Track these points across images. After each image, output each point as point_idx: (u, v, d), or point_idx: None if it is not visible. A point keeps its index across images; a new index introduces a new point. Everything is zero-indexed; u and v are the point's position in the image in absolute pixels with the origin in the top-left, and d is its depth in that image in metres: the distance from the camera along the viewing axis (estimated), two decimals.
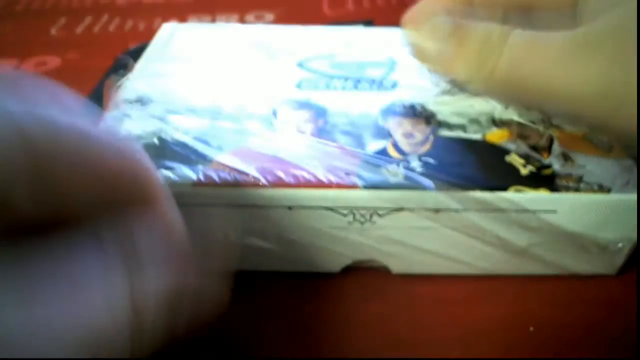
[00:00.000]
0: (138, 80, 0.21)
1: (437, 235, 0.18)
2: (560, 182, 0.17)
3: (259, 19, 0.37)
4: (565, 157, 0.18)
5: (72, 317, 0.09)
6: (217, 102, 0.20)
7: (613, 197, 0.17)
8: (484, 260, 0.19)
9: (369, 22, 0.27)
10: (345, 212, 0.17)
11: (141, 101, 0.20)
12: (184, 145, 0.18)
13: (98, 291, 0.10)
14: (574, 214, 0.17)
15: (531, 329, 0.18)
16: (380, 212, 0.17)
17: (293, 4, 0.39)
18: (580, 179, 0.17)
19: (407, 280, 0.19)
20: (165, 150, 0.18)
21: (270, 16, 0.38)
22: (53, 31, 0.39)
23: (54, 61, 0.34)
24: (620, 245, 0.18)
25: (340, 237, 0.18)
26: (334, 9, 0.42)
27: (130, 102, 0.20)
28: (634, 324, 0.18)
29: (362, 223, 0.17)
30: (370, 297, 0.19)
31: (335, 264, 0.19)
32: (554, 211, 0.17)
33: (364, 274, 0.19)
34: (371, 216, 0.17)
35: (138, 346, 0.11)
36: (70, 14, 0.42)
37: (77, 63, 0.32)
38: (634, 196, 0.17)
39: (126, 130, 0.19)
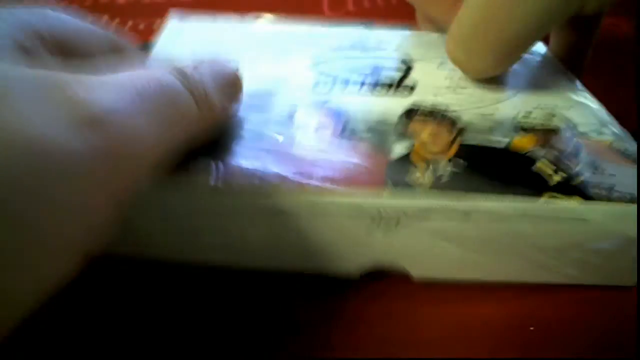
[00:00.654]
0: None
1: (465, 241, 0.17)
2: (592, 190, 0.17)
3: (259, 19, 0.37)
4: (595, 166, 0.18)
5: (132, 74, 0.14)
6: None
7: None
8: (509, 268, 0.18)
9: (369, 23, 0.27)
10: (373, 214, 0.17)
11: None
12: (201, 149, 0.17)
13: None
14: (606, 224, 0.17)
15: (531, 328, 0.18)
16: (409, 215, 0.17)
17: (293, 4, 0.39)
18: (611, 189, 0.17)
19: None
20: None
21: (270, 17, 0.38)
22: None
23: None
24: None
25: (363, 239, 0.17)
26: (335, 9, 0.42)
27: None
28: (634, 324, 0.18)
29: (388, 226, 0.17)
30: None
31: (355, 269, 0.19)
32: (585, 220, 0.17)
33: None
34: (398, 220, 0.17)
35: (205, 110, 0.15)
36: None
37: None
38: None
39: None
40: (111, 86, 0.12)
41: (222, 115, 0.17)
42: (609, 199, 0.17)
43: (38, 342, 0.17)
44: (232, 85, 0.18)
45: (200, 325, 0.17)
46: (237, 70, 0.18)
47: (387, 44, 0.25)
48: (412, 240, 0.17)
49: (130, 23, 0.38)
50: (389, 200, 0.17)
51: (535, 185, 0.17)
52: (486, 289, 0.19)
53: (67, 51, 0.16)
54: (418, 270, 0.19)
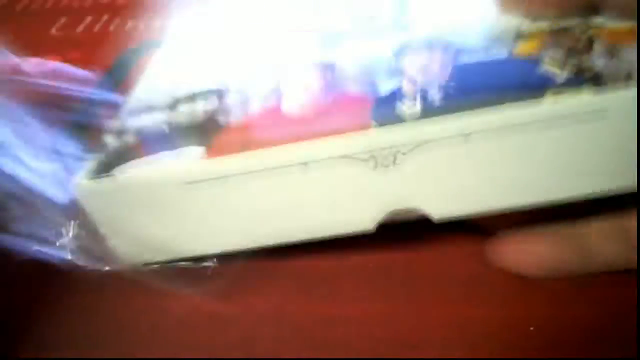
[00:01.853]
0: (145, 81, 0.22)
1: (474, 167, 0.16)
2: (606, 79, 0.15)
3: None
4: (611, 53, 0.16)
5: None
6: (222, 81, 0.20)
7: None
8: (534, 186, 0.16)
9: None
10: (364, 157, 0.16)
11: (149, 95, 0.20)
12: (191, 127, 0.18)
13: None
14: (627, 115, 0.15)
15: (531, 328, 0.18)
16: (404, 151, 0.16)
17: None
18: (629, 75, 0.15)
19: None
20: (174, 134, 0.18)
21: None
22: (53, 31, 0.39)
23: (54, 61, 0.34)
24: None
25: (365, 188, 0.16)
26: None
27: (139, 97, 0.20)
28: (635, 324, 0.18)
29: (386, 167, 0.16)
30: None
31: (368, 221, 0.17)
32: (603, 113, 0.15)
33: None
34: (395, 157, 0.16)
35: None
36: (71, 14, 0.42)
37: (78, 63, 0.32)
38: None
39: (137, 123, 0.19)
40: None
41: None
42: (627, 86, 0.15)
43: None
44: None
45: None
46: None
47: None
48: (416, 177, 0.16)
49: (131, 23, 0.38)
50: (376, 137, 0.16)
51: (540, 87, 0.15)
52: (486, 289, 0.19)
53: None
54: (437, 210, 0.17)
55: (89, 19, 0.40)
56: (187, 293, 0.18)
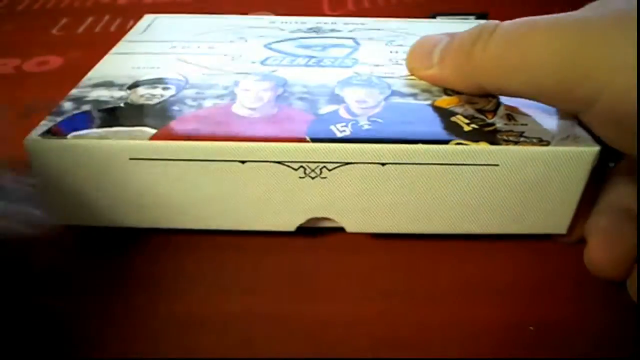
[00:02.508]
0: (111, 60, 0.24)
1: (387, 191, 0.18)
2: (500, 136, 0.18)
3: None
4: (510, 117, 0.19)
5: None
6: (183, 74, 0.22)
7: (551, 149, 0.17)
8: (436, 217, 0.19)
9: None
10: (295, 166, 0.18)
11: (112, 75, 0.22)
12: (145, 109, 0.19)
13: None
14: (516, 167, 0.18)
15: (531, 328, 0.18)
16: (329, 167, 0.18)
17: (293, 4, 0.39)
18: (521, 134, 0.18)
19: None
20: (129, 112, 0.19)
21: (270, 17, 0.38)
22: (54, 31, 0.39)
23: (55, 61, 0.35)
24: (563, 201, 0.19)
25: (293, 193, 0.19)
26: (335, 9, 0.42)
27: (101, 77, 0.22)
28: (634, 323, 0.18)
29: (312, 178, 0.18)
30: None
31: (290, 222, 0.20)
32: (496, 164, 0.18)
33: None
34: (321, 171, 0.18)
35: None
36: (72, 14, 0.42)
37: (79, 63, 0.32)
38: (573, 149, 0.17)
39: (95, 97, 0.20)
40: None
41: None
42: (515, 143, 0.18)
43: None
44: None
45: None
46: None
47: (343, 27, 0.27)
48: (337, 192, 0.19)
49: (131, 23, 0.38)
50: (308, 151, 0.18)
51: (450, 134, 0.18)
52: (486, 289, 0.19)
53: None
54: (350, 223, 0.20)
55: (90, 19, 0.40)
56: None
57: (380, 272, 0.19)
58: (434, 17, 0.33)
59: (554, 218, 0.19)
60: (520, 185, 0.18)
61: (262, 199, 0.19)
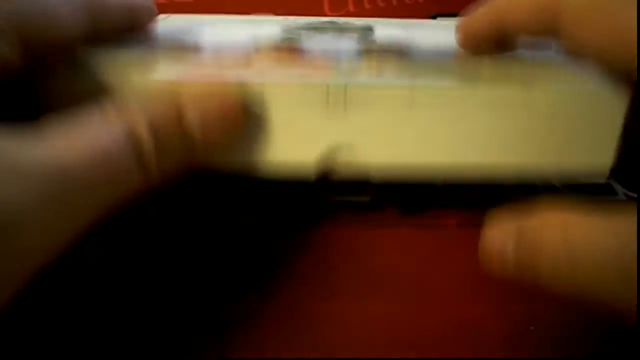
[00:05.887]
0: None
1: (414, 125, 0.18)
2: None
3: None
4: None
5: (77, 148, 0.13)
6: (199, 44, 0.21)
7: (587, 80, 0.17)
8: (468, 150, 0.18)
9: (368, 29, 0.27)
10: (321, 98, 0.18)
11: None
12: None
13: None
14: (552, 95, 0.17)
15: (531, 328, 0.18)
16: (355, 99, 0.18)
17: (293, 4, 0.39)
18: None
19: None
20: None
21: (271, 17, 0.38)
22: None
23: None
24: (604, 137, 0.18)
25: (316, 126, 0.18)
26: (335, 10, 0.42)
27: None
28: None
29: (335, 111, 0.18)
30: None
31: (314, 158, 0.19)
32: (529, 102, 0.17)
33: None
34: (345, 103, 0.18)
35: (149, 170, 0.14)
36: None
37: None
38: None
39: None
40: (15, 175, 0.11)
41: (195, 159, 0.16)
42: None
43: None
44: (222, 118, 0.16)
45: None
46: (236, 95, 0.17)
47: (344, 27, 0.27)
48: (361, 125, 0.18)
49: None
50: (333, 79, 0.17)
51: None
52: (487, 289, 0.19)
53: (33, 40, 0.15)
54: (375, 156, 0.19)
55: None
56: None
57: (381, 272, 0.19)
58: (434, 17, 0.33)
59: (594, 157, 0.18)
60: (556, 116, 0.17)
61: (285, 133, 0.18)
